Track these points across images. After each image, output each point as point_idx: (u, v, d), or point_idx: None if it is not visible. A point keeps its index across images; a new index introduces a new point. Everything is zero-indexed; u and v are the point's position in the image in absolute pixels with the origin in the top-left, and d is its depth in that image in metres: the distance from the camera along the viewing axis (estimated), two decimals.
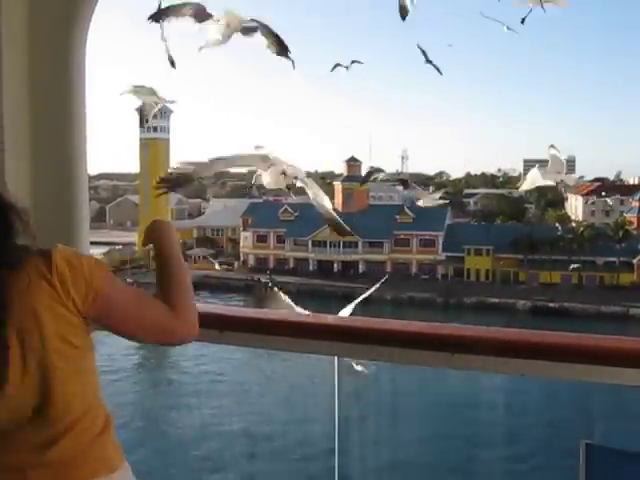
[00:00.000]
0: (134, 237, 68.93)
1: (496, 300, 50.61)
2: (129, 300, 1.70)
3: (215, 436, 21.65)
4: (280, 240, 62.18)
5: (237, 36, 2.57)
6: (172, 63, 2.71)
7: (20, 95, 2.66)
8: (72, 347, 1.59)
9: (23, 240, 1.61)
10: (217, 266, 57.39)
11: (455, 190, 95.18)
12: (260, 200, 78.00)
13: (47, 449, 1.60)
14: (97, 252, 50.31)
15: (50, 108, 2.71)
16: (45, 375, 1.55)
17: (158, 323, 1.73)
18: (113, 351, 22.73)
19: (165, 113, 72.53)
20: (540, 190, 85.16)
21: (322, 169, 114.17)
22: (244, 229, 64.26)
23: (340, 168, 72.24)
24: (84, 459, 1.65)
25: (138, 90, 3.00)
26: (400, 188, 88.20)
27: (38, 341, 1.53)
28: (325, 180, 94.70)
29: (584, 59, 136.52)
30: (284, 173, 2.54)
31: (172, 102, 3.25)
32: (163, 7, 2.51)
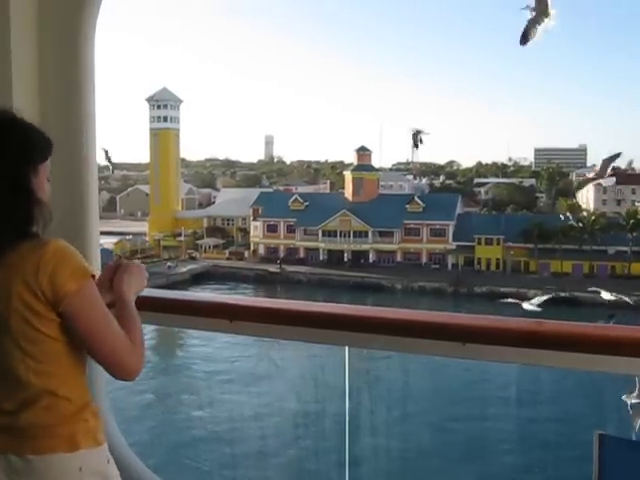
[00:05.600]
0: (144, 227, 69.13)
1: (507, 289, 50.39)
2: (97, 319, 1.77)
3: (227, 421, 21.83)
4: (290, 230, 62.11)
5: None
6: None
7: (30, 86, 2.66)
8: (34, 329, 1.71)
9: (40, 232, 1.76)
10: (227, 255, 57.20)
11: (466, 179, 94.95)
12: (270, 190, 78.08)
13: (15, 415, 1.74)
14: (108, 242, 50.60)
15: (60, 99, 2.71)
16: (7, 342, 1.71)
17: (116, 351, 1.79)
18: None
19: (175, 103, 72.66)
20: (551, 179, 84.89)
21: (332, 159, 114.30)
22: (254, 219, 64.25)
23: (350, 157, 72.04)
24: (47, 433, 1.75)
25: None
26: (410, 177, 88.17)
27: (5, 310, 1.69)
28: (335, 170, 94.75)
29: (593, 44, 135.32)
30: None
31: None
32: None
